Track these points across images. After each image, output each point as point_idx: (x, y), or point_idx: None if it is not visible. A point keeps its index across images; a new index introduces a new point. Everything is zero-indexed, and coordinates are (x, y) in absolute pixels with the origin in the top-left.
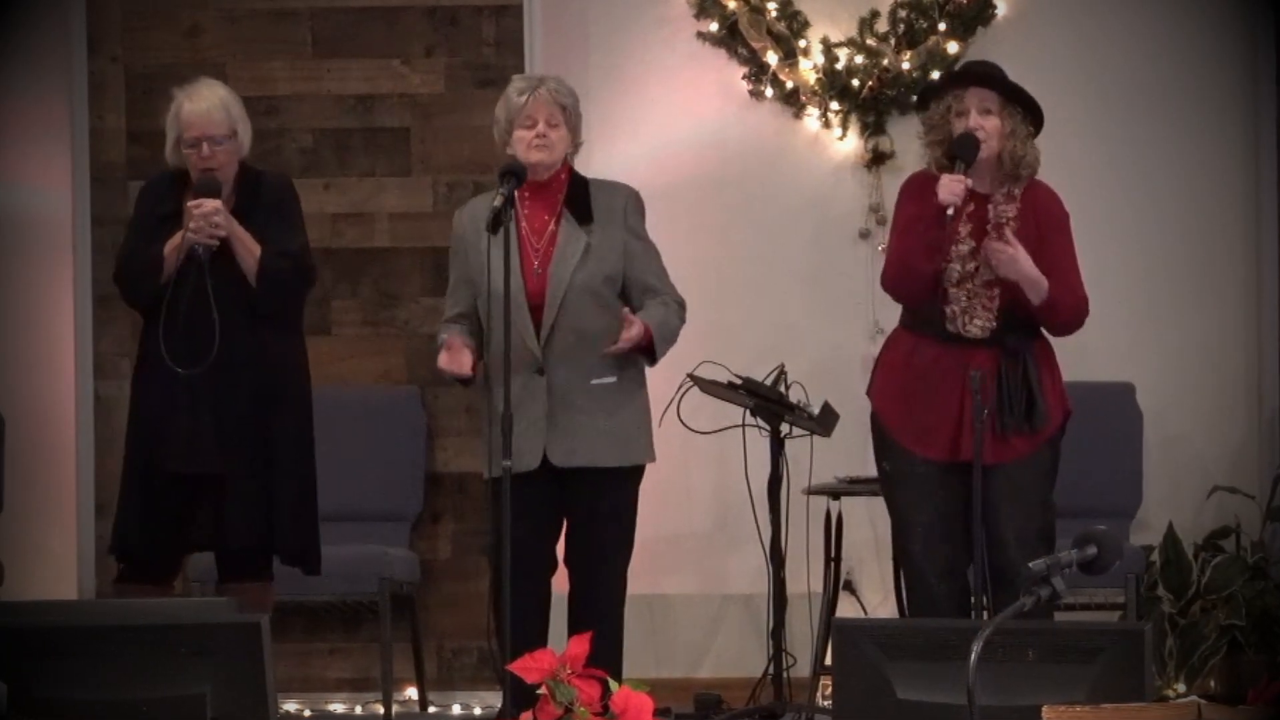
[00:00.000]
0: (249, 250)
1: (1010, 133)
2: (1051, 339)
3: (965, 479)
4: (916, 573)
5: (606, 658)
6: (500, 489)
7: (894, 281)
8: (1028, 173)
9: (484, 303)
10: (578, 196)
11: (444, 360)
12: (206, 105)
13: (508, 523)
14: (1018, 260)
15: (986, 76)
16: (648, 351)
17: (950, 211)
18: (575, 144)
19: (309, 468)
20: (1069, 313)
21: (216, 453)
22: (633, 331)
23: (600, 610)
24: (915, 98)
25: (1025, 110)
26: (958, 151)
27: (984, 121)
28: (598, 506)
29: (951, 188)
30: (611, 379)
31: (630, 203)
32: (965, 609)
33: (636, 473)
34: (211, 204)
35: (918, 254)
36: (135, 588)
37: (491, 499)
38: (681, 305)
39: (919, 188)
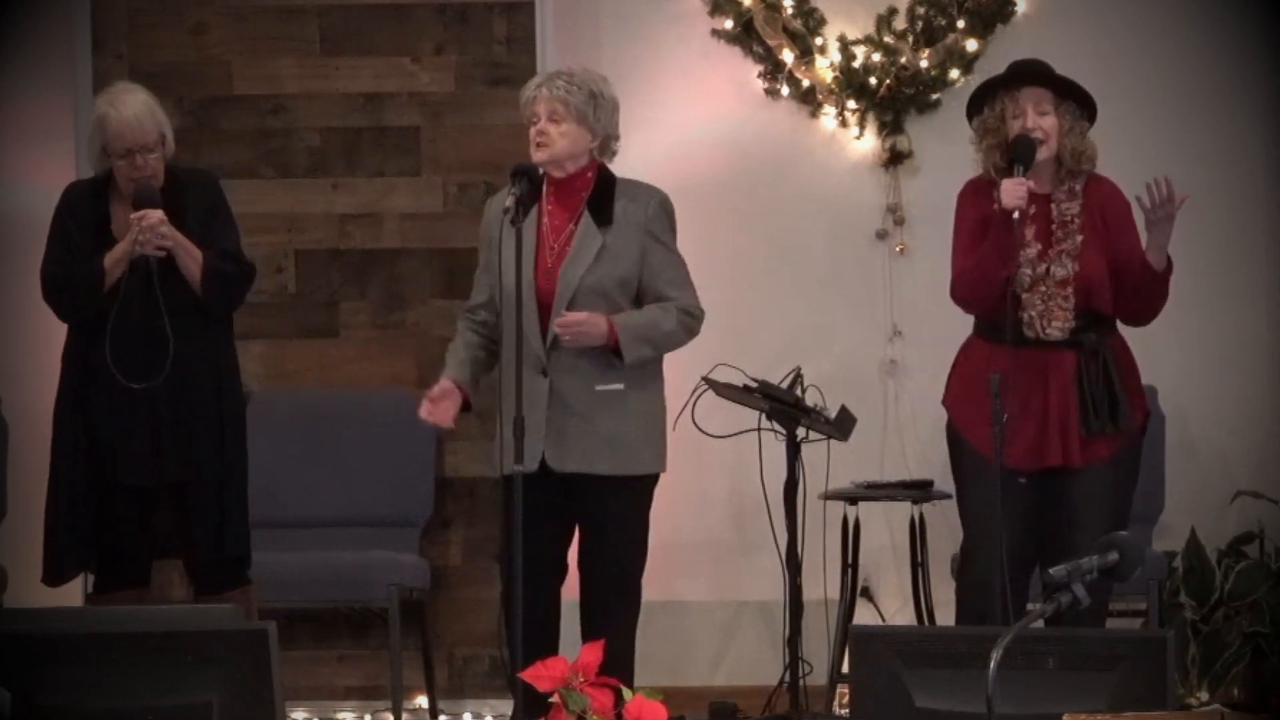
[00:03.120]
0: (192, 257)
1: (1069, 129)
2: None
3: (1049, 485)
4: (983, 582)
5: (617, 666)
6: (506, 491)
7: (968, 291)
8: (1088, 166)
9: (496, 297)
10: (601, 197)
11: (425, 411)
12: (134, 114)
13: (518, 527)
14: (1173, 220)
15: (1039, 75)
16: (615, 349)
17: (1016, 215)
18: (601, 140)
19: (246, 470)
20: (1166, 293)
21: (181, 462)
22: (571, 316)
23: (610, 618)
24: (966, 103)
25: (1079, 104)
26: (1016, 154)
27: (1042, 121)
28: (603, 514)
29: (1014, 191)
30: (618, 386)
31: (656, 206)
32: (1019, 616)
33: (643, 482)
34: (156, 215)
35: (991, 260)
36: (115, 596)
37: (502, 500)
38: (690, 313)
39: (977, 194)
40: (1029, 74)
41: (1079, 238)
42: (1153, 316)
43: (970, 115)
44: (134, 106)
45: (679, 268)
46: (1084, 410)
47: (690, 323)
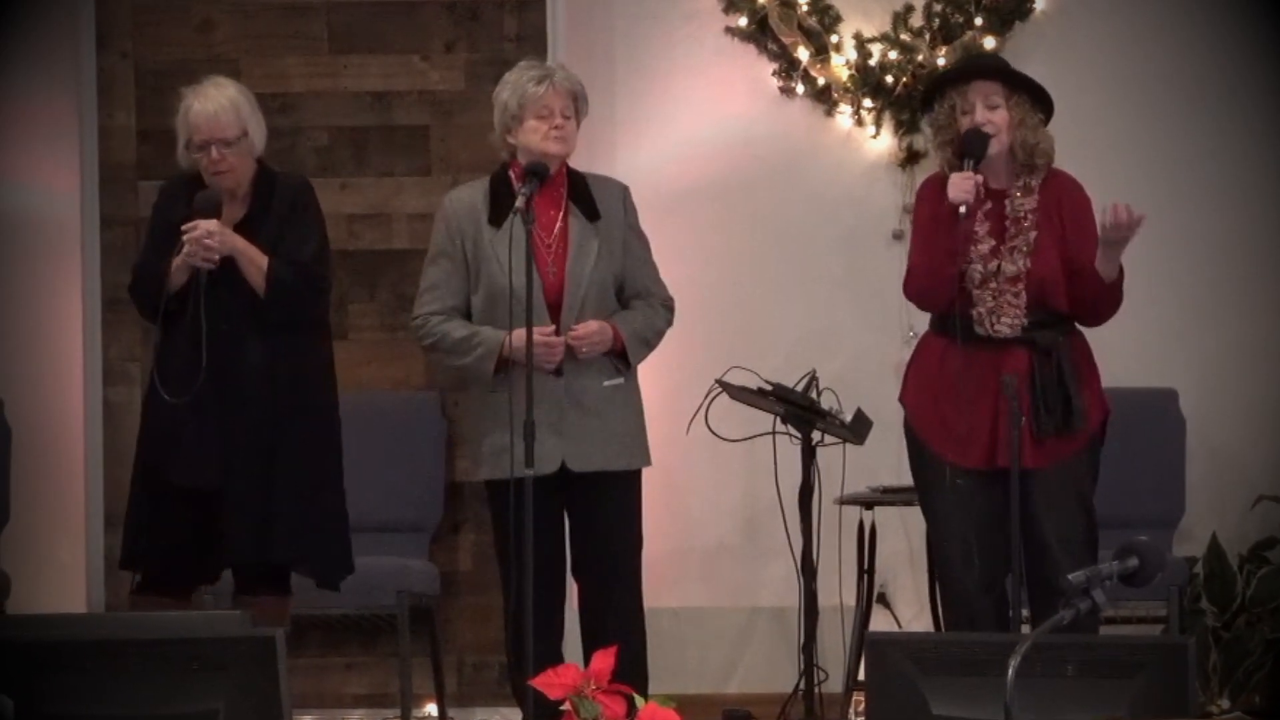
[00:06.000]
0: (254, 264)
1: (1019, 122)
2: (1089, 338)
3: (1004, 486)
4: (955, 585)
5: (630, 671)
6: (513, 496)
7: (919, 288)
8: (1043, 161)
9: (482, 299)
10: (581, 192)
11: (552, 353)
12: (215, 106)
13: (529, 533)
14: (1127, 243)
15: (988, 68)
16: (621, 355)
17: (963, 210)
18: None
19: (332, 480)
20: (1119, 296)
21: (220, 467)
22: (583, 329)
23: (621, 619)
24: (919, 99)
25: (1032, 98)
26: (966, 148)
27: (992, 115)
28: (605, 511)
29: (961, 185)
30: (620, 380)
31: (627, 198)
32: (1005, 621)
33: (640, 476)
34: (205, 226)
35: (940, 257)
36: (153, 600)
37: (491, 503)
38: (669, 308)
39: (934, 190)
40: (978, 68)
41: (1033, 234)
42: (1104, 319)
43: (923, 114)
44: (217, 100)
45: (651, 259)
46: (1035, 411)
47: (671, 318)
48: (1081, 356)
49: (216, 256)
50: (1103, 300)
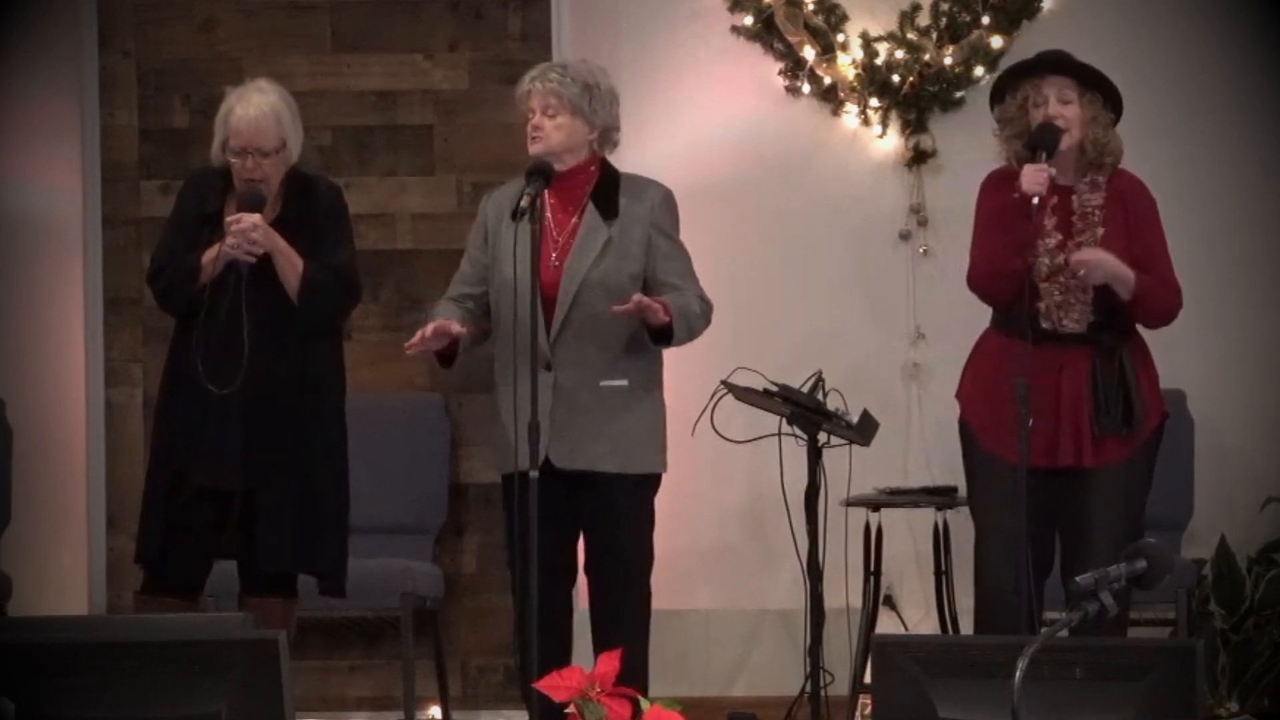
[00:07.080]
0: (291, 265)
1: (1092, 119)
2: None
3: (1058, 485)
4: (993, 583)
5: (631, 672)
6: (506, 492)
7: (983, 282)
8: (1111, 160)
9: (494, 292)
10: (606, 190)
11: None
12: (256, 113)
13: (534, 533)
14: (1105, 262)
15: (1063, 63)
16: (664, 332)
17: (1035, 201)
18: (601, 132)
19: (344, 486)
20: (1161, 304)
21: (243, 469)
22: (639, 300)
23: (621, 623)
24: (990, 91)
25: (1105, 96)
26: (1038, 141)
27: (1064, 110)
28: (610, 514)
29: (1035, 177)
30: (622, 382)
31: (661, 200)
32: (1037, 622)
33: (647, 481)
34: (250, 219)
35: (1005, 251)
36: (159, 600)
37: (504, 499)
38: (705, 301)
39: (998, 183)
40: (1053, 62)
41: (1100, 230)
42: (1158, 323)
43: (993, 105)
44: (259, 107)
45: (685, 261)
46: (1097, 409)
47: (708, 311)
48: (1142, 356)
49: (260, 251)
50: (1138, 309)
